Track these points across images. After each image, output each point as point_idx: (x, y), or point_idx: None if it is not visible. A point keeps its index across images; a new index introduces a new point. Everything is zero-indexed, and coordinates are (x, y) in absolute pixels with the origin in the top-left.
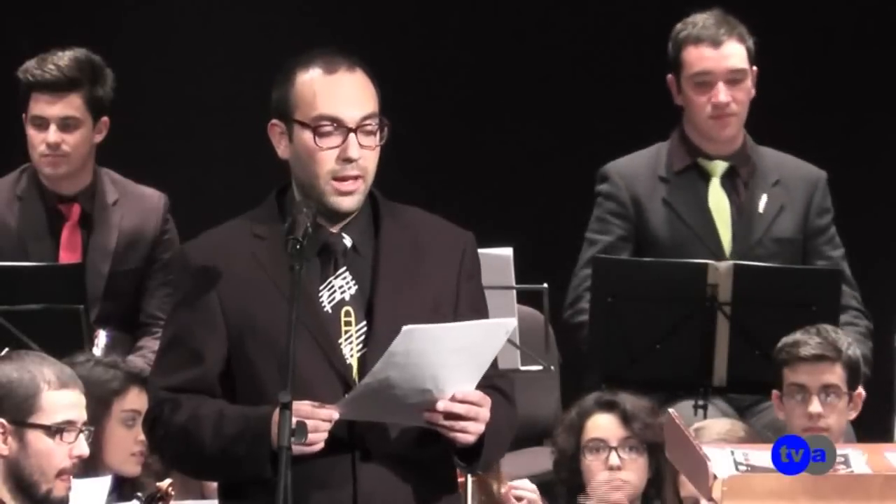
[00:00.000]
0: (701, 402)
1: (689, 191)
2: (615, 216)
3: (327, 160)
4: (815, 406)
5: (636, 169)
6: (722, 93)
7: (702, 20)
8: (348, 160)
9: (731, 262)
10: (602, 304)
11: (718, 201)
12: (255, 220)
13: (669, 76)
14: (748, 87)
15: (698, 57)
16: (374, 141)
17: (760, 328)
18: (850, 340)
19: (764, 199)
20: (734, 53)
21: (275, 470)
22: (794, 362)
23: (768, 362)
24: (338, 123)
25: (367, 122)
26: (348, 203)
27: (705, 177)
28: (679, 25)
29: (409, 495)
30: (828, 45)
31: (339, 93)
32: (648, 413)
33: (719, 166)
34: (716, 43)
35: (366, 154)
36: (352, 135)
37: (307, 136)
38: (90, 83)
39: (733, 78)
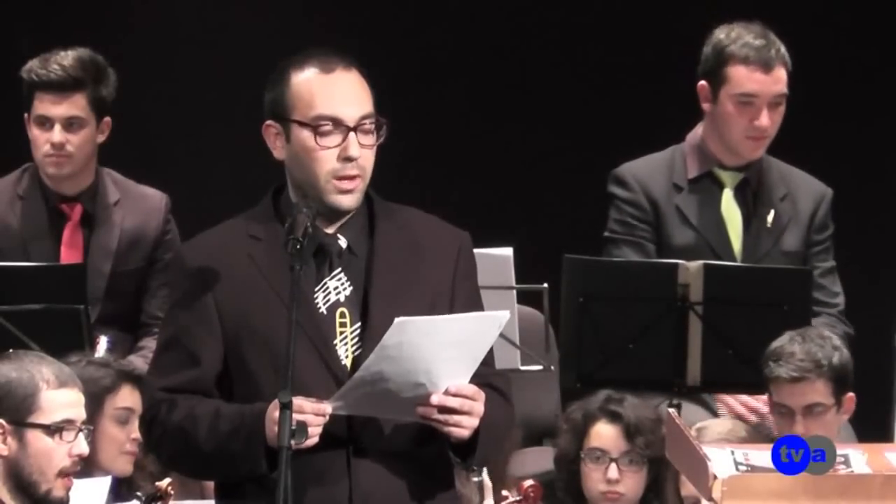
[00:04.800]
0: (676, 402)
1: (702, 200)
2: (638, 220)
3: (327, 160)
4: (800, 427)
5: (652, 173)
6: (765, 117)
7: (748, 36)
8: (349, 159)
9: (701, 262)
10: (574, 304)
11: (730, 212)
12: (250, 221)
13: (702, 83)
14: (783, 110)
15: (747, 78)
16: (372, 140)
17: (733, 328)
18: (836, 344)
19: (772, 214)
20: (781, 79)
21: (270, 466)
22: (775, 381)
23: (742, 362)
24: (337, 123)
25: (366, 120)
26: (349, 201)
27: (719, 186)
28: (722, 37)
29: (404, 491)
30: (830, 49)
31: (338, 92)
32: (652, 427)
33: (733, 177)
34: (767, 67)
35: (365, 153)
36: (352, 134)
37: (306, 135)
38: (94, 83)
39: (776, 101)
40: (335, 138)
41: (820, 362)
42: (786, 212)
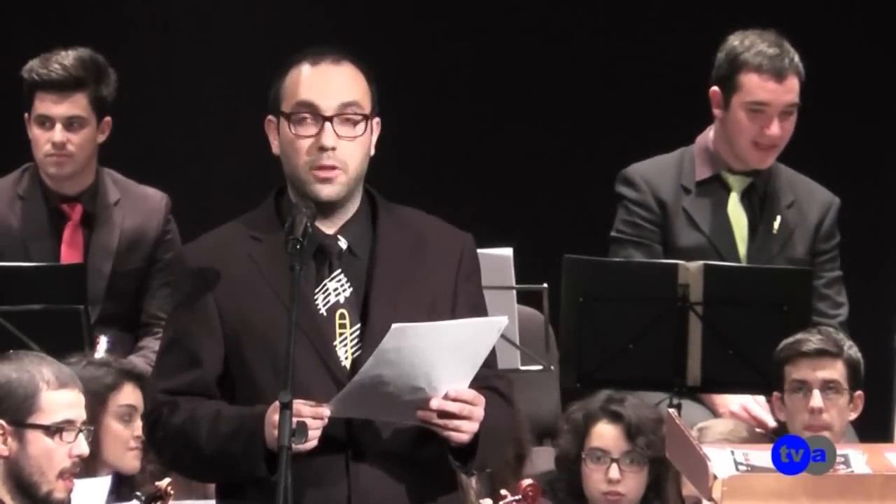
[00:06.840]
0: (676, 402)
1: (709, 202)
2: (647, 221)
3: (304, 149)
4: (817, 400)
5: (660, 174)
6: (776, 126)
7: (762, 44)
8: (322, 148)
9: (701, 262)
10: (574, 304)
11: (737, 215)
12: (252, 222)
13: (714, 89)
14: (794, 119)
15: (760, 86)
16: (353, 131)
17: (733, 328)
18: (851, 343)
19: (778, 220)
20: (794, 89)
21: (269, 469)
22: (795, 358)
23: (741, 362)
24: (314, 111)
25: (347, 110)
26: (327, 191)
27: (726, 190)
28: (736, 44)
29: (404, 494)
30: (830, 51)
31: (319, 82)
32: (654, 427)
33: (741, 181)
34: (780, 76)
35: (344, 144)
36: (327, 123)
37: (286, 124)
38: (95, 83)
39: (787, 111)
40: (312, 128)
41: (840, 345)
42: (792, 219)
